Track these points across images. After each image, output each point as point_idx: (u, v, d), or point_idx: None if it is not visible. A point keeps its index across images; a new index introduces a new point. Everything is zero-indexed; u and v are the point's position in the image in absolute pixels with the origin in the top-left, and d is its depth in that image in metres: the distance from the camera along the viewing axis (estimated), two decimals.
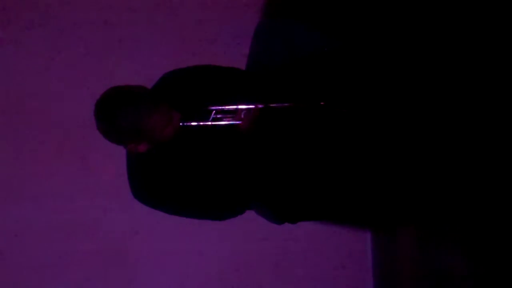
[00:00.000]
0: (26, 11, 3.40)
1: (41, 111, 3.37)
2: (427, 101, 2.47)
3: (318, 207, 2.39)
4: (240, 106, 2.19)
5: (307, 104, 2.24)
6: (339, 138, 2.34)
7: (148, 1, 3.42)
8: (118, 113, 2.04)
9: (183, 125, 2.15)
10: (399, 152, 2.52)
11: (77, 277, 3.35)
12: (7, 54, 3.40)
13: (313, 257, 3.36)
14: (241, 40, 3.24)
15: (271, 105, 2.20)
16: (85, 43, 3.39)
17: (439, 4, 2.42)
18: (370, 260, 3.33)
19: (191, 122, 2.16)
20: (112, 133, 2.10)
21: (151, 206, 2.26)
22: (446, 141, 2.37)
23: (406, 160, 2.54)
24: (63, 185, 3.35)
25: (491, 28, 2.08)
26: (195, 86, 2.28)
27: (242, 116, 2.18)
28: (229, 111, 2.20)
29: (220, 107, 2.19)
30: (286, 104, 2.21)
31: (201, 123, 2.17)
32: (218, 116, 2.19)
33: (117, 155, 2.29)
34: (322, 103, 2.25)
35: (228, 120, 2.19)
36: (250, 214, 2.43)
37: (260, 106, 2.19)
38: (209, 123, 2.18)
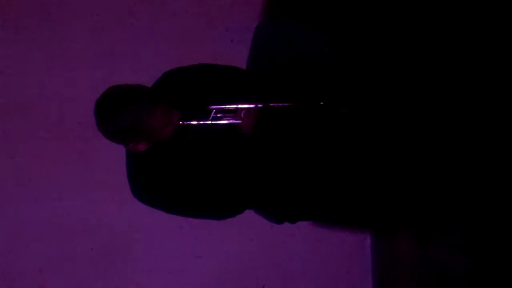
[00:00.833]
0: (26, 10, 3.40)
1: (42, 110, 3.38)
2: (426, 101, 2.47)
3: (317, 206, 2.39)
4: (240, 106, 2.19)
5: (307, 104, 2.24)
6: (339, 138, 2.34)
7: (148, 1, 3.42)
8: (118, 112, 2.04)
9: (183, 124, 2.15)
10: (399, 152, 2.52)
11: (77, 277, 3.35)
12: (7, 53, 3.40)
13: (312, 257, 3.36)
14: (241, 40, 3.24)
15: (271, 104, 2.20)
16: (86, 43, 3.39)
17: (440, 5, 2.42)
18: (369, 260, 3.33)
19: (191, 121, 2.16)
20: (112, 132, 2.09)
21: (151, 205, 2.26)
22: (445, 141, 2.37)
23: (406, 160, 2.54)
24: (63, 184, 3.35)
25: (491, 28, 2.08)
26: (195, 85, 2.28)
27: (242, 115, 2.18)
28: (229, 110, 2.20)
29: (220, 107, 2.19)
30: (286, 104, 2.22)
31: (201, 122, 2.17)
32: (218, 115, 2.19)
33: (117, 154, 2.29)
34: (321, 103, 2.25)
35: (228, 120, 2.19)
36: (249, 214, 2.43)
37: (260, 105, 2.19)
38: (209, 122, 2.18)
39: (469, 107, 2.19)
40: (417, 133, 2.52)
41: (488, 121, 2.09)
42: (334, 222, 3.36)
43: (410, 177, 2.56)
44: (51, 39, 3.39)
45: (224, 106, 2.20)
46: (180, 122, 2.15)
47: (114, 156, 2.32)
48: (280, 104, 2.21)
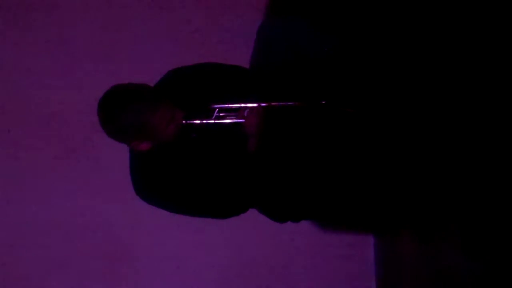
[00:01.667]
0: (27, 9, 3.40)
1: (44, 109, 3.38)
2: (429, 101, 2.47)
3: (320, 205, 2.39)
4: (243, 105, 2.19)
5: (310, 103, 2.24)
6: (342, 137, 2.34)
7: (151, 1, 3.43)
8: (121, 111, 2.05)
9: (186, 123, 2.15)
10: (401, 152, 2.52)
11: (77, 277, 3.35)
12: (6, 53, 3.40)
13: (315, 258, 3.36)
14: (244, 40, 3.23)
15: (274, 103, 2.20)
16: (87, 42, 3.39)
17: (443, 4, 2.42)
18: (372, 260, 3.33)
19: (194, 120, 2.16)
20: (115, 131, 2.10)
21: (154, 204, 2.26)
22: (447, 141, 2.37)
23: (408, 160, 2.54)
24: (64, 183, 3.35)
25: (491, 28, 2.08)
26: (198, 84, 2.28)
27: (245, 114, 2.18)
28: (232, 109, 2.20)
29: (223, 106, 2.19)
30: (289, 103, 2.21)
31: (204, 121, 2.17)
32: (221, 114, 2.19)
33: (120, 153, 2.29)
34: (324, 102, 2.25)
35: (231, 119, 2.19)
36: (252, 214, 2.43)
37: (263, 104, 2.19)
38: (212, 121, 2.18)
39: (470, 105, 2.19)
40: (421, 133, 2.51)
41: (487, 121, 2.09)
42: (337, 223, 3.35)
43: (413, 177, 2.56)
44: (53, 38, 3.40)
45: (227, 105, 2.20)
46: (183, 121, 2.15)
47: (117, 155, 2.32)
48: (284, 103, 2.21)
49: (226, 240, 3.34)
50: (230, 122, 2.19)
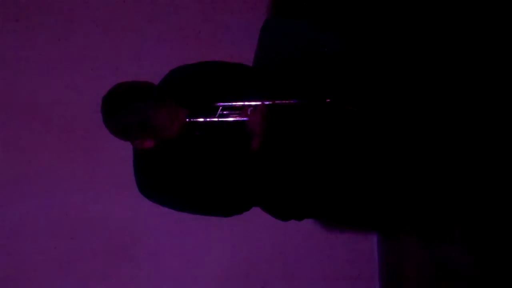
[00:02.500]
0: (28, 8, 3.41)
1: (46, 107, 3.38)
2: (432, 101, 2.47)
3: (324, 203, 2.39)
4: (246, 103, 2.19)
5: (314, 101, 2.24)
6: (346, 136, 2.34)
7: (154, 0, 3.43)
8: (124, 109, 2.04)
9: (189, 121, 2.15)
10: (405, 151, 2.52)
11: (79, 276, 3.35)
12: (7, 52, 3.40)
13: (319, 258, 3.36)
14: (247, 39, 3.24)
15: (278, 101, 2.20)
16: (90, 41, 3.39)
17: (448, 3, 2.42)
18: (376, 260, 3.32)
19: (198, 118, 2.16)
20: (119, 129, 2.09)
21: (157, 202, 2.26)
22: (451, 140, 2.37)
23: (412, 159, 2.54)
24: (66, 181, 3.35)
25: (494, 28, 2.08)
26: (202, 82, 2.28)
27: (249, 112, 2.18)
28: (235, 107, 2.19)
29: (226, 104, 2.19)
30: (292, 101, 2.21)
31: (208, 119, 2.17)
32: (225, 112, 2.19)
33: (124, 151, 2.29)
34: (328, 100, 2.24)
35: (235, 117, 2.19)
36: (254, 213, 2.42)
37: (266, 102, 2.19)
38: (216, 119, 2.18)
39: (473, 105, 2.19)
40: (425, 133, 2.51)
41: (488, 120, 2.09)
42: (340, 223, 3.35)
43: (418, 176, 2.56)
44: (56, 37, 3.40)
45: (230, 103, 2.19)
46: (187, 119, 2.14)
47: (121, 153, 2.32)
48: (287, 101, 2.21)
49: (228, 240, 3.34)
50: (234, 120, 2.19)
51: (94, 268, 3.35)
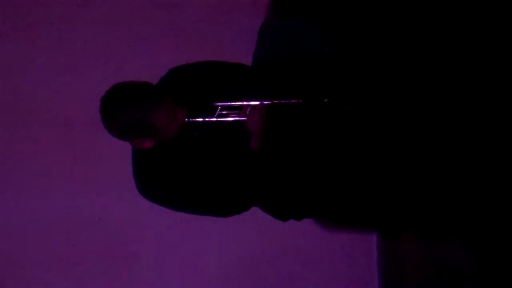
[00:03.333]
0: (28, 8, 3.41)
1: (46, 108, 3.38)
2: (430, 100, 2.47)
3: (322, 203, 2.39)
4: (245, 103, 2.19)
5: (313, 101, 2.24)
6: (344, 135, 2.34)
7: (154, 0, 3.43)
8: (123, 109, 2.05)
9: (188, 121, 2.15)
10: (403, 150, 2.52)
11: (78, 276, 3.35)
12: (7, 52, 3.40)
13: (318, 257, 3.35)
14: (247, 38, 3.24)
15: (277, 101, 2.20)
16: (89, 41, 3.39)
17: (446, 2, 2.42)
18: (375, 259, 3.32)
19: (197, 118, 2.16)
20: (117, 129, 2.10)
21: (156, 201, 2.26)
22: (450, 139, 2.36)
23: (410, 159, 2.54)
24: (66, 182, 3.35)
25: (492, 28, 2.08)
26: (201, 82, 2.28)
27: (248, 112, 2.18)
28: (234, 107, 2.20)
29: (225, 104, 2.19)
30: (291, 101, 2.21)
31: (207, 119, 2.17)
32: (224, 112, 2.19)
33: (123, 151, 2.29)
34: (327, 100, 2.25)
35: (234, 117, 2.19)
36: (253, 213, 2.43)
37: (265, 102, 2.19)
38: (215, 119, 2.18)
39: (472, 104, 2.19)
40: (423, 132, 2.51)
41: (488, 120, 2.09)
42: (339, 222, 3.35)
43: (416, 176, 2.56)
44: (56, 37, 3.40)
45: (229, 103, 2.20)
46: (186, 119, 2.15)
47: (119, 153, 2.32)
48: (286, 101, 2.21)
49: (227, 240, 3.34)
50: (233, 120, 2.19)
51: (94, 268, 3.35)
